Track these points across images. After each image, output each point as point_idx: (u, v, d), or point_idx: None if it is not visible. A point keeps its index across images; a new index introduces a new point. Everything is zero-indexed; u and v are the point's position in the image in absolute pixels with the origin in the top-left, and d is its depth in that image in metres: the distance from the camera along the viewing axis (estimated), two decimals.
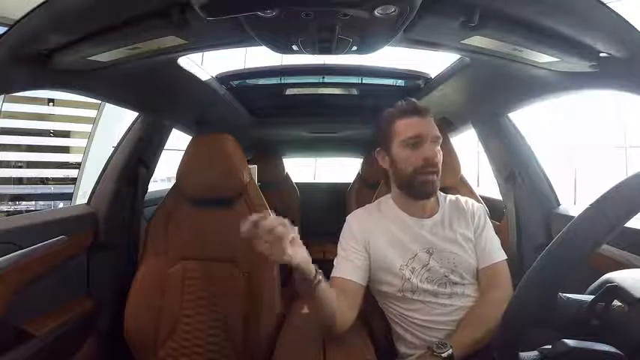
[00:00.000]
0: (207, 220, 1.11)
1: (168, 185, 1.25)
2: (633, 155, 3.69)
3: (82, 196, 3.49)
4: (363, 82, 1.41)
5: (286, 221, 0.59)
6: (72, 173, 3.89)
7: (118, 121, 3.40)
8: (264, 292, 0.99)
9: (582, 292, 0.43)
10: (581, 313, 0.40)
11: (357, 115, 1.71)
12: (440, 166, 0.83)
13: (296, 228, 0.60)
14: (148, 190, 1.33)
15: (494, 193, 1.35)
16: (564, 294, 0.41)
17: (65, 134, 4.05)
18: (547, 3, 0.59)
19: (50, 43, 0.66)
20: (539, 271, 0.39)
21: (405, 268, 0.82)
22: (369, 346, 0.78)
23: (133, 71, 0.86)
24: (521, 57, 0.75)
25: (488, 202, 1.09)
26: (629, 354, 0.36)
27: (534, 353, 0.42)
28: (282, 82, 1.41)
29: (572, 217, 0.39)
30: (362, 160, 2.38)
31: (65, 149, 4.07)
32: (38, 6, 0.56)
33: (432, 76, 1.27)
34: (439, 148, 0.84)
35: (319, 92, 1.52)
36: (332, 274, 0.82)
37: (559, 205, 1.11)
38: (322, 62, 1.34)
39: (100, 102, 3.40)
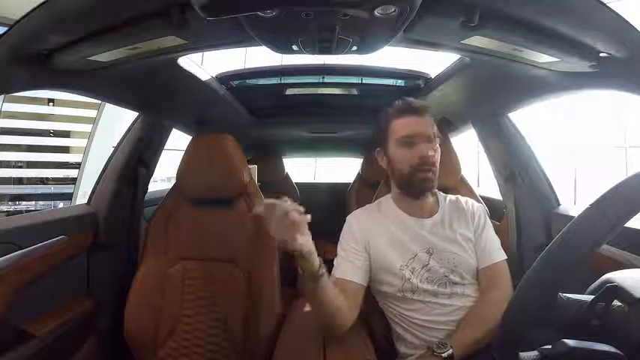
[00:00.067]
0: (207, 220, 1.11)
1: (169, 185, 1.25)
2: (633, 155, 3.69)
3: (82, 196, 3.49)
4: (363, 82, 1.41)
5: (302, 208, 0.60)
6: (72, 173, 3.89)
7: (118, 121, 3.40)
8: (264, 292, 0.99)
9: (582, 292, 0.43)
10: (581, 313, 0.40)
11: (357, 115, 1.71)
12: (437, 164, 0.83)
13: (308, 216, 0.61)
14: (148, 190, 1.33)
15: (495, 193, 1.35)
16: (564, 294, 0.41)
17: (65, 134, 4.05)
18: (547, 3, 0.59)
19: (50, 43, 0.66)
20: (539, 271, 0.39)
21: (405, 269, 0.82)
22: (369, 346, 0.78)
23: (133, 71, 0.86)
24: (521, 57, 0.75)
25: (488, 202, 1.09)
26: (629, 354, 0.36)
27: (534, 353, 0.41)
28: (282, 82, 1.41)
29: (572, 217, 0.39)
30: (362, 160, 2.39)
31: (65, 149, 4.07)
32: (38, 6, 0.56)
33: (432, 76, 1.27)
34: (436, 146, 0.84)
35: (319, 92, 1.52)
36: (332, 275, 0.82)
37: (559, 205, 1.11)
38: (322, 62, 1.34)
39: (100, 102, 3.40)
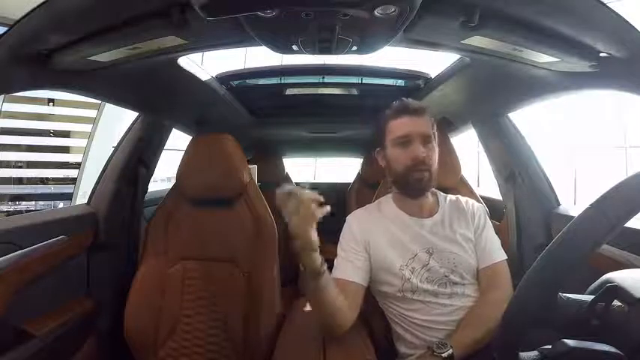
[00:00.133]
0: (207, 220, 1.11)
1: (169, 185, 1.25)
2: (633, 155, 3.69)
3: (82, 196, 3.49)
4: (363, 82, 1.41)
5: (321, 198, 0.61)
6: (72, 173, 3.89)
7: (118, 121, 3.40)
8: (264, 292, 0.99)
9: (582, 292, 0.43)
10: (581, 313, 0.40)
11: (357, 115, 1.71)
12: (432, 163, 0.83)
13: (328, 207, 0.62)
14: (148, 190, 1.32)
15: (495, 193, 1.35)
16: (564, 294, 0.41)
17: (65, 134, 4.05)
18: (547, 3, 0.59)
19: (50, 43, 0.66)
20: (539, 271, 0.39)
21: (405, 268, 0.82)
22: (369, 346, 0.78)
23: (133, 71, 0.86)
24: (521, 57, 0.75)
25: (488, 202, 1.09)
26: (629, 354, 0.36)
27: (534, 353, 0.42)
28: (282, 82, 1.41)
29: (572, 217, 0.39)
30: (362, 160, 2.38)
31: (65, 149, 4.07)
32: (38, 6, 0.56)
33: (432, 76, 1.27)
34: (432, 145, 0.84)
35: (319, 92, 1.52)
36: (332, 275, 0.82)
37: (559, 205, 1.11)
38: (322, 62, 1.34)
39: (100, 102, 3.40)
